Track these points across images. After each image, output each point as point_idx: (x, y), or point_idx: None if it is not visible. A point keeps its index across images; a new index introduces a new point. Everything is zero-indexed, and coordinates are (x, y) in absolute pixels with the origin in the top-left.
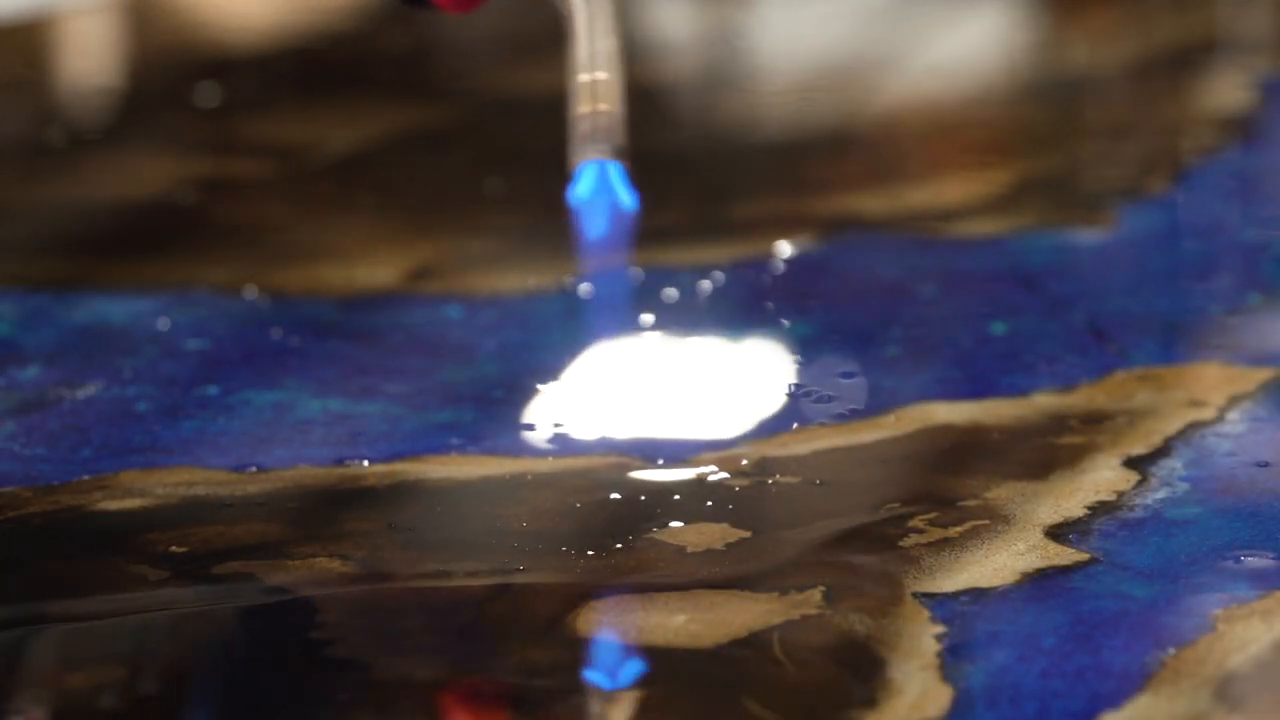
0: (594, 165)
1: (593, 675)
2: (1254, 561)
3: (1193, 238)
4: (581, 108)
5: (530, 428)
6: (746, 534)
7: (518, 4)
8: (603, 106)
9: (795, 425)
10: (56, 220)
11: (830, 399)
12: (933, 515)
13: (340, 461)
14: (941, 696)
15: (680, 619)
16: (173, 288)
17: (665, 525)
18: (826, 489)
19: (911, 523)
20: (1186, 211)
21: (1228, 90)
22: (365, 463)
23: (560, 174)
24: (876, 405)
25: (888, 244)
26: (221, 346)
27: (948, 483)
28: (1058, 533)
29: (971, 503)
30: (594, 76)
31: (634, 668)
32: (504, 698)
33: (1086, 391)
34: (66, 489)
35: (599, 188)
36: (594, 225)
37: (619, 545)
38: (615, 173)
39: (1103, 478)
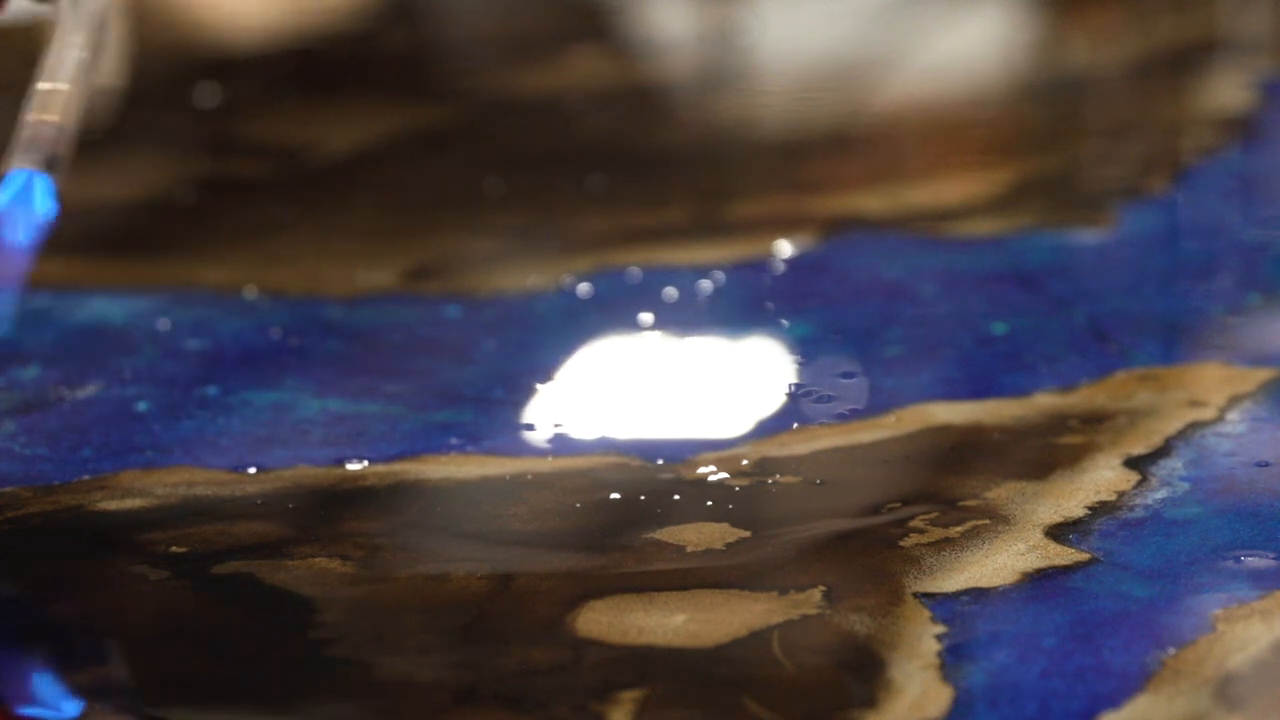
0: (21, 175)
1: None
2: (1254, 561)
3: (1193, 238)
4: (30, 115)
5: (530, 428)
6: (746, 534)
7: (514, 5)
8: (50, 117)
9: (795, 425)
10: (57, 220)
11: (830, 399)
12: (933, 515)
13: (340, 461)
14: (942, 696)
15: (680, 619)
16: (173, 288)
17: (665, 525)
18: (826, 489)
19: (912, 523)
20: (1186, 211)
21: (1228, 90)
22: (365, 463)
23: (561, 174)
24: (876, 405)
25: (888, 244)
26: (221, 346)
27: (948, 483)
28: (1058, 533)
29: (972, 503)
30: (55, 86)
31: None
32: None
33: (1087, 391)
34: (66, 489)
35: (20, 198)
36: (7, 234)
37: (619, 545)
38: (41, 185)
39: (1103, 478)
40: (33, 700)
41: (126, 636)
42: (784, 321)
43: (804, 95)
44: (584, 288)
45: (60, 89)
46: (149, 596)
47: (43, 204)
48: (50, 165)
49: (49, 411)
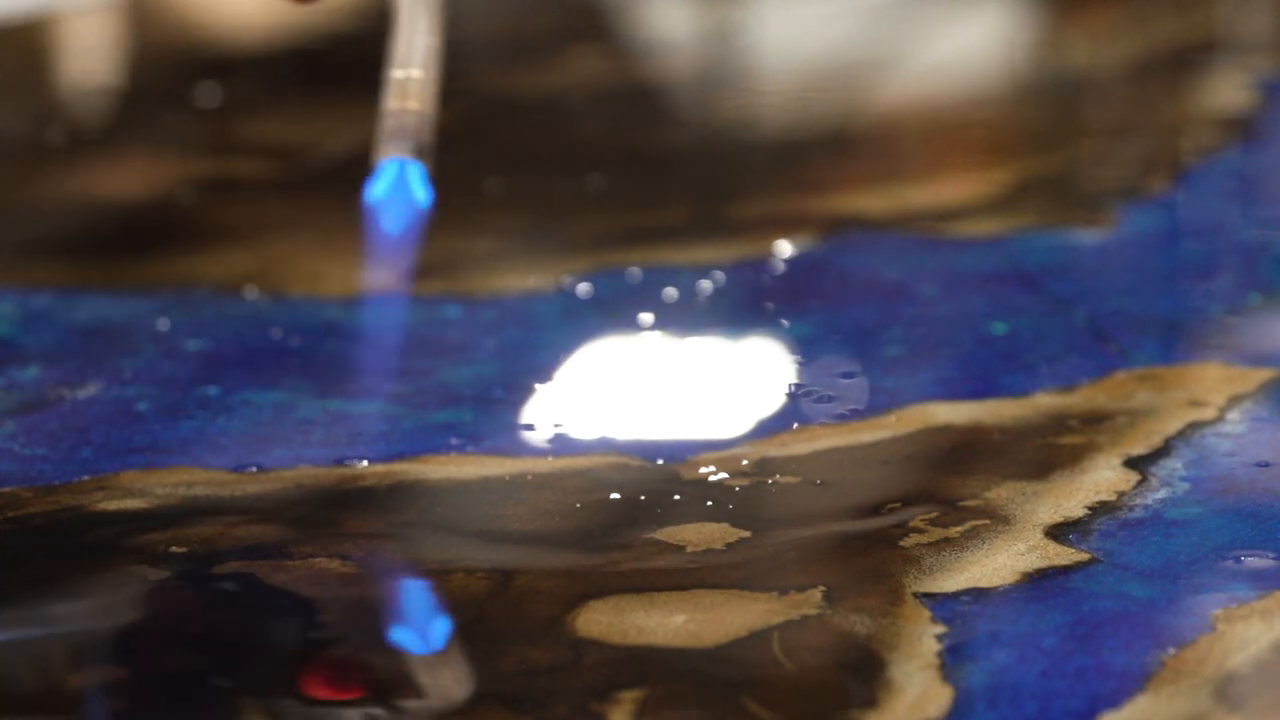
0: (394, 164)
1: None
2: (1254, 561)
3: (1193, 238)
4: (391, 104)
5: (530, 428)
6: (746, 534)
7: (511, 6)
8: (412, 105)
9: (795, 425)
10: (56, 220)
11: (830, 399)
12: (933, 515)
13: (340, 461)
14: (942, 696)
15: (680, 619)
16: (173, 288)
17: (665, 525)
18: (826, 489)
19: (912, 523)
20: (1187, 211)
21: (1228, 90)
22: (365, 463)
23: (561, 174)
24: (876, 405)
25: (888, 244)
26: (221, 346)
27: (948, 483)
28: (1058, 533)
29: (972, 503)
30: (408, 74)
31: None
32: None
33: (1087, 391)
34: (66, 489)
35: (396, 187)
36: (387, 225)
37: (619, 545)
38: (415, 173)
39: (1103, 478)
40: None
41: (126, 636)
42: (784, 321)
43: (804, 95)
44: (584, 288)
45: (415, 75)
46: (149, 596)
47: (419, 191)
48: (419, 152)
49: (49, 411)
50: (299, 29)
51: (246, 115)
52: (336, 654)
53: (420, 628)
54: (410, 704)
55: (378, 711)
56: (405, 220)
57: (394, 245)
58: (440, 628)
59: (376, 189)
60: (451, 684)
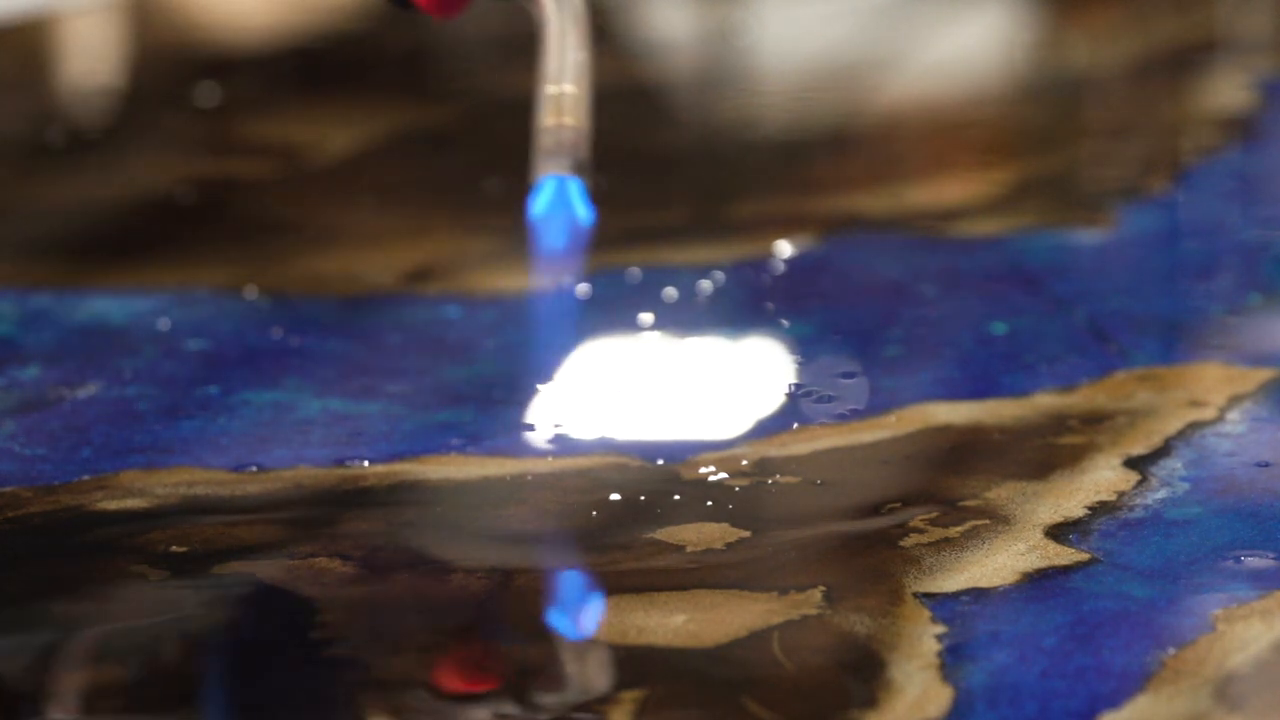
0: (554, 181)
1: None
2: (1254, 561)
3: (1193, 238)
4: (546, 121)
5: (530, 428)
6: (746, 534)
7: (510, 9)
8: (567, 120)
9: (795, 425)
10: (56, 220)
11: (830, 399)
12: (933, 515)
13: (340, 461)
14: (942, 696)
15: (680, 619)
16: (173, 288)
17: (665, 525)
18: (826, 489)
19: (912, 523)
20: (1186, 211)
21: (1228, 90)
22: (365, 463)
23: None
24: (876, 405)
25: (888, 244)
26: (221, 346)
27: (948, 483)
28: (1058, 533)
29: (972, 503)
30: (561, 89)
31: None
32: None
33: (1087, 391)
34: (66, 489)
35: (557, 203)
36: (549, 241)
37: (619, 545)
38: (575, 189)
39: (1103, 478)
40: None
41: (126, 636)
42: (784, 321)
43: (804, 95)
44: (584, 288)
45: (568, 90)
46: (149, 596)
47: (579, 207)
48: (577, 168)
49: (49, 411)
50: (299, 29)
51: (246, 115)
52: (469, 647)
53: (572, 614)
54: (546, 697)
55: (509, 707)
56: (567, 236)
57: (557, 261)
58: (592, 614)
59: (537, 206)
60: (594, 674)
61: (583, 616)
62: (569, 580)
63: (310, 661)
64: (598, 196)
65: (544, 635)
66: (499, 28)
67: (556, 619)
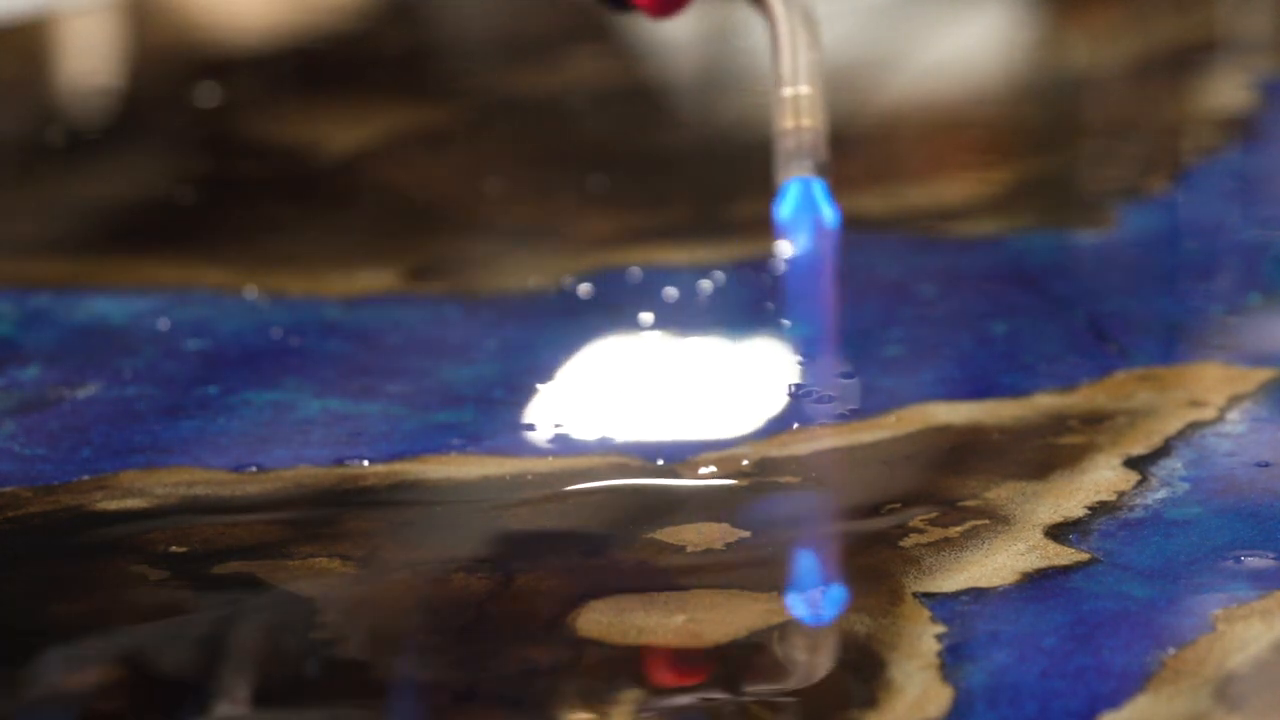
0: (798, 183)
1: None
2: (1254, 561)
3: (1193, 238)
4: (785, 124)
5: (530, 428)
6: (746, 534)
7: (526, 6)
8: (806, 122)
9: (795, 425)
10: (56, 220)
11: (830, 399)
12: (933, 515)
13: (340, 461)
14: (942, 696)
15: (680, 619)
16: (173, 288)
17: (665, 525)
18: (827, 489)
19: (912, 523)
20: (1186, 211)
21: (1228, 90)
22: (365, 463)
23: (557, 174)
24: (876, 405)
25: (887, 244)
26: (221, 346)
27: (948, 483)
28: (1058, 533)
29: (971, 503)
30: (797, 91)
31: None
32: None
33: (1086, 391)
34: (66, 489)
35: (802, 206)
36: (797, 244)
37: (619, 545)
38: (819, 190)
39: (1103, 478)
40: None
41: (127, 636)
42: (784, 321)
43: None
44: (584, 288)
45: (804, 92)
46: (149, 596)
47: (825, 209)
48: (820, 169)
49: (49, 411)
50: (299, 29)
51: (246, 115)
52: (676, 641)
53: (814, 595)
54: (759, 688)
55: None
56: (815, 238)
57: (806, 264)
58: (835, 598)
59: (784, 209)
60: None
61: (584, 616)
62: (570, 580)
63: (310, 661)
64: (598, 196)
65: (545, 635)
66: (499, 28)
67: (558, 619)
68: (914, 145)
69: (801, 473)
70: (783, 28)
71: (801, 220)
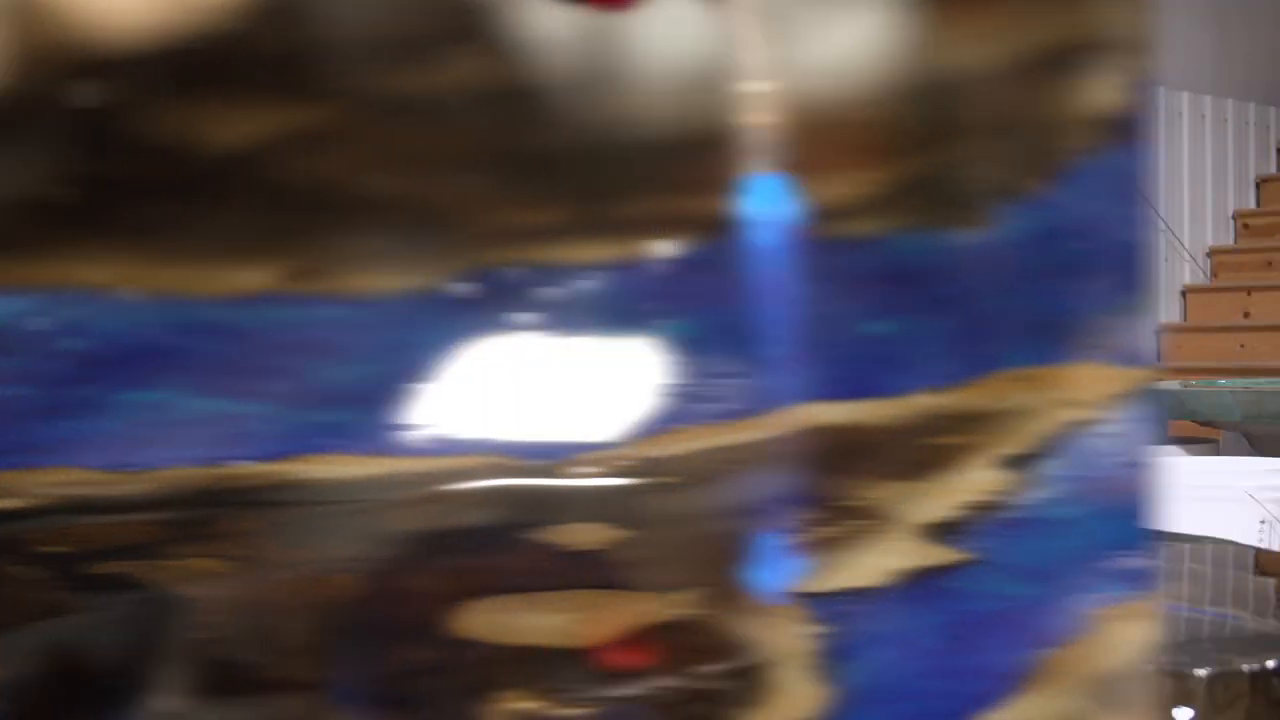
0: (757, 179)
1: None
2: (1129, 561)
3: (1070, 238)
4: (743, 119)
5: (410, 428)
6: (627, 534)
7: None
8: (763, 118)
9: (675, 426)
10: None
11: (711, 399)
12: (812, 515)
13: (220, 461)
14: (819, 696)
15: (560, 618)
16: (50, 287)
17: (544, 525)
18: (706, 489)
19: (791, 523)
20: (1064, 211)
21: (1106, 90)
22: (245, 462)
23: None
24: (757, 405)
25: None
26: (99, 346)
27: (827, 482)
28: (936, 533)
29: (850, 503)
30: (755, 86)
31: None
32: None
33: (964, 392)
34: None
35: (763, 202)
36: (765, 238)
37: (499, 545)
38: (778, 186)
39: (981, 478)
40: None
41: (1, 637)
42: (664, 321)
43: (683, 94)
44: (464, 287)
45: (761, 87)
46: (24, 596)
47: (785, 205)
48: (779, 166)
49: None
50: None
51: (126, 113)
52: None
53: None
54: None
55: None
56: (774, 233)
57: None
58: (472, 614)
59: (744, 206)
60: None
61: (463, 616)
62: (450, 580)
63: (189, 662)
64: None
65: (425, 636)
66: (380, 27)
67: (440, 619)
68: (791, 146)
69: (681, 473)
70: (740, 21)
71: (761, 216)
